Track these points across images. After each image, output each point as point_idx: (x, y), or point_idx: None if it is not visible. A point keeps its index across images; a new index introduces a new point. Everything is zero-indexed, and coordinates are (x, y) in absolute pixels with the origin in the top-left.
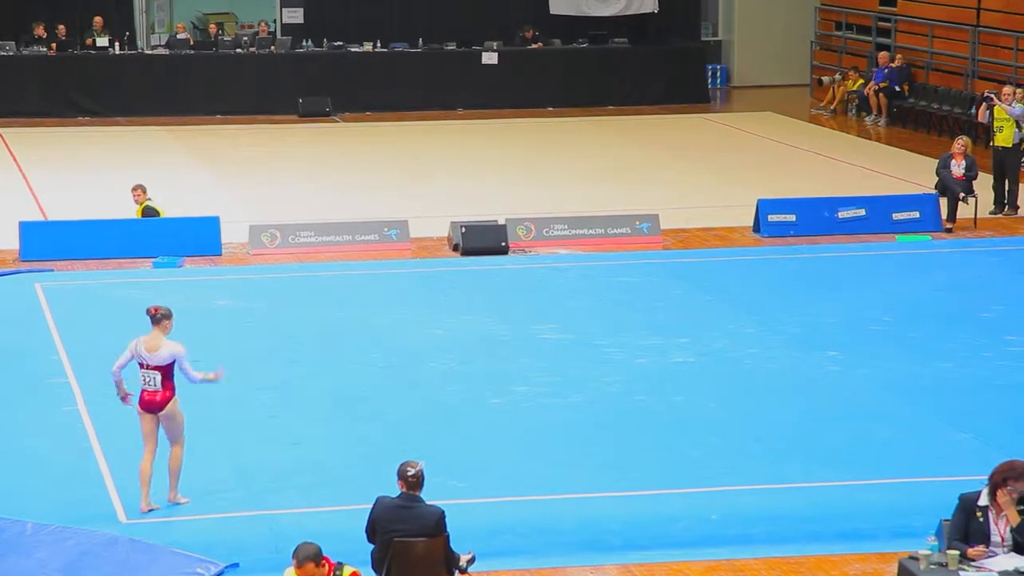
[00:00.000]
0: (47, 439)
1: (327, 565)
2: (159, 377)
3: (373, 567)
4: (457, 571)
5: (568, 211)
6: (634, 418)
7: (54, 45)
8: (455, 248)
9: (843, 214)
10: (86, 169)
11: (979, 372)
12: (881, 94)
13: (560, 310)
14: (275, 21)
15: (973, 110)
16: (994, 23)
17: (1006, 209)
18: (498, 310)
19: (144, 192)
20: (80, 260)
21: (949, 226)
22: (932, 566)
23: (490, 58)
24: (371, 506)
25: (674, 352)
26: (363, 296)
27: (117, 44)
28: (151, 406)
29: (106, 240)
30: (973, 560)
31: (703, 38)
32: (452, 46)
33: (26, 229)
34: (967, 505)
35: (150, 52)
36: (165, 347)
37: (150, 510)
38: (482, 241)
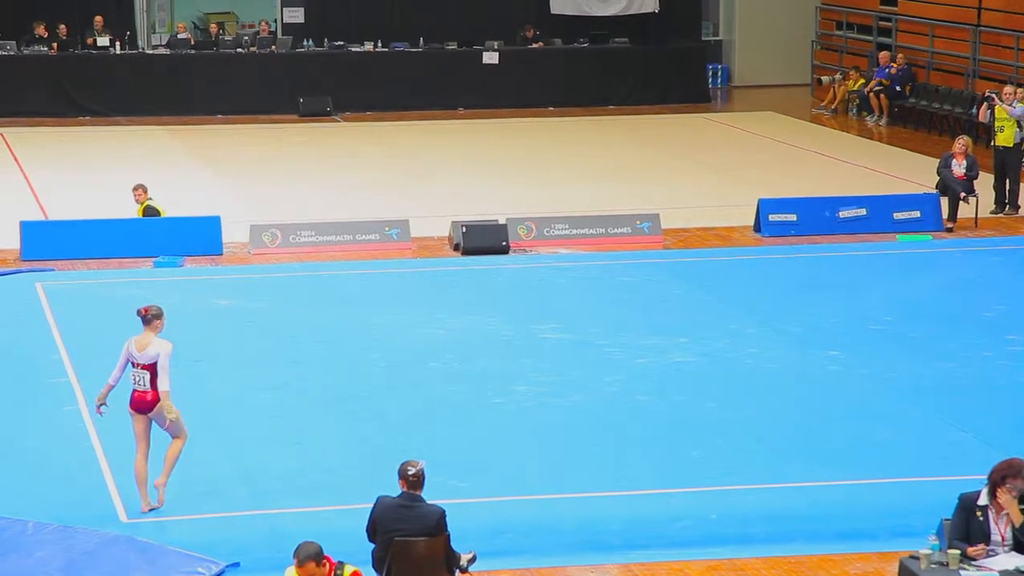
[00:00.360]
0: (47, 439)
1: (328, 565)
2: (148, 376)
3: (374, 567)
4: (458, 570)
5: (569, 211)
6: (634, 418)
7: (55, 45)
8: (456, 248)
9: (844, 214)
10: (87, 169)
11: (980, 372)
12: (882, 94)
13: (560, 310)
14: (276, 21)
15: (974, 110)
16: (995, 23)
17: (1007, 209)
18: (499, 310)
19: (145, 192)
20: (81, 260)
21: (950, 226)
22: (933, 565)
23: (491, 58)
24: (372, 505)
25: (674, 352)
26: (364, 296)
27: (118, 44)
28: (141, 405)
29: (107, 240)
30: (974, 559)
31: (704, 38)
32: (453, 46)
33: (27, 229)
34: (967, 505)
35: (151, 52)
36: (154, 346)
37: (150, 509)
38: (483, 241)
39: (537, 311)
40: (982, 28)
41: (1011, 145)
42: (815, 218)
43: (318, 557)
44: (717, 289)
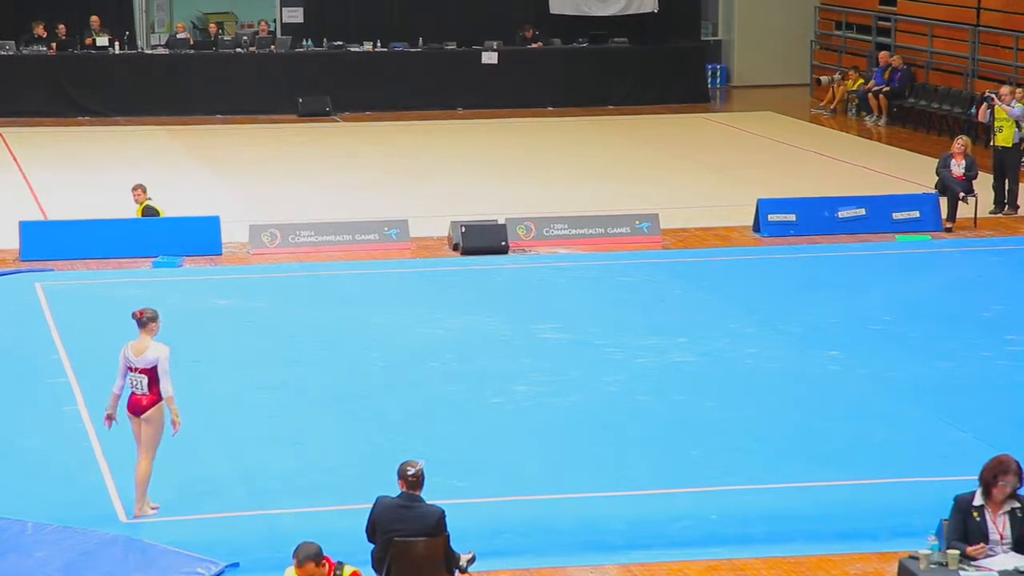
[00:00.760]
0: (46, 439)
1: (327, 565)
2: (146, 380)
3: (373, 567)
4: (457, 571)
5: (568, 211)
6: (634, 418)
7: (54, 45)
8: (455, 248)
9: (843, 214)
10: (86, 169)
11: (979, 372)
12: (881, 94)
13: (560, 309)
14: (275, 20)
15: (973, 110)
16: (994, 23)
17: (1006, 208)
18: (498, 310)
19: (144, 192)
20: (80, 260)
21: (949, 226)
22: (932, 565)
23: (490, 58)
24: (371, 506)
25: (674, 352)
26: (363, 296)
27: (117, 44)
28: (136, 409)
29: (106, 240)
30: (973, 559)
31: (703, 38)
32: (452, 46)
33: (26, 229)
34: (962, 506)
35: (150, 52)
36: (151, 350)
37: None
38: (482, 241)
39: (536, 311)
40: (981, 28)
41: (1010, 145)
42: (814, 218)
43: (317, 557)
44: (716, 289)
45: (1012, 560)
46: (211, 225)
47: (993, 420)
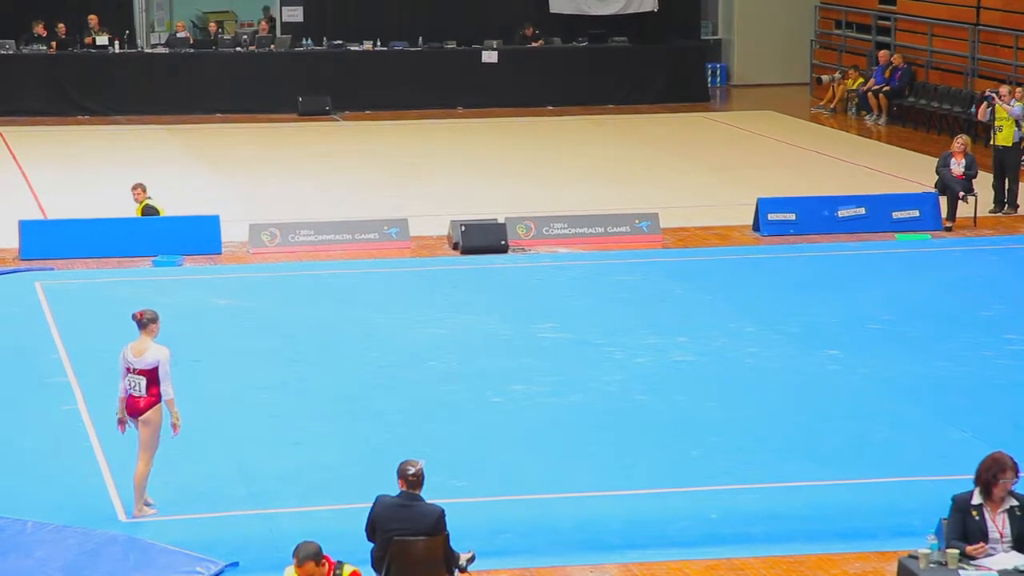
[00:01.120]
0: (47, 438)
1: (327, 564)
2: (144, 382)
3: (373, 566)
4: (457, 570)
5: (568, 210)
6: (634, 417)
7: (54, 44)
8: (455, 247)
9: (843, 213)
10: (86, 168)
11: (979, 371)
12: (881, 94)
13: (560, 309)
14: (275, 19)
15: (973, 109)
16: (994, 22)
17: (1006, 208)
18: (498, 309)
19: (144, 191)
20: (80, 259)
21: (949, 225)
22: (932, 565)
23: (490, 57)
24: (371, 505)
25: (674, 351)
26: (363, 295)
27: (117, 43)
28: (132, 411)
29: (106, 239)
30: (973, 558)
31: (703, 37)
32: (452, 45)
33: (26, 228)
34: (961, 505)
35: (150, 51)
36: (151, 351)
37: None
38: (482, 240)
39: (536, 310)
40: (981, 27)
41: (1010, 144)
42: (814, 217)
43: (317, 557)
44: (716, 288)
45: (1012, 559)
46: (211, 224)
47: (993, 420)
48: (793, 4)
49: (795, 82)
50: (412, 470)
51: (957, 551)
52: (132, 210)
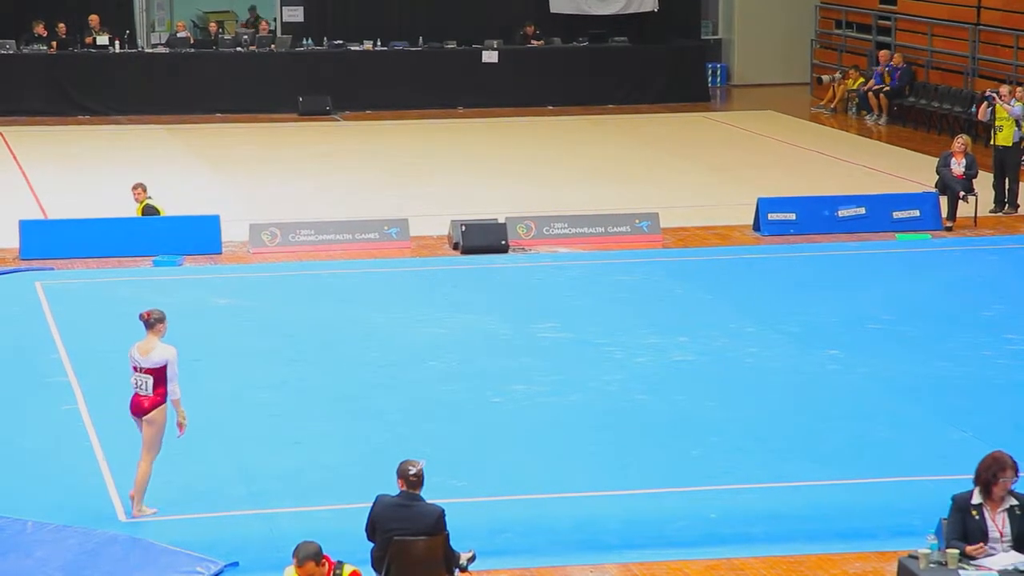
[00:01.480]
0: (47, 438)
1: (327, 564)
2: (151, 381)
3: (373, 566)
4: (457, 570)
5: (568, 209)
6: (634, 417)
7: (54, 44)
8: (455, 247)
9: (843, 213)
10: (86, 168)
11: (979, 371)
12: (881, 93)
13: (560, 309)
14: (276, 20)
15: (973, 109)
16: (994, 21)
17: (1006, 207)
18: (498, 309)
19: (144, 191)
20: (80, 259)
21: (949, 224)
22: (932, 565)
23: (490, 57)
24: (371, 505)
25: (674, 351)
26: (363, 295)
27: (117, 42)
28: (137, 410)
29: (106, 239)
30: (973, 558)
31: (703, 36)
32: (452, 45)
33: (26, 228)
34: (961, 505)
35: (150, 51)
36: (158, 350)
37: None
38: (482, 239)
39: (536, 310)
40: (981, 27)
41: (1010, 144)
42: (814, 217)
43: (317, 556)
44: (716, 288)
45: (1012, 559)
46: (211, 224)
47: (993, 420)
48: (793, 4)
49: (795, 82)
50: (413, 470)
51: (957, 551)
52: (132, 210)
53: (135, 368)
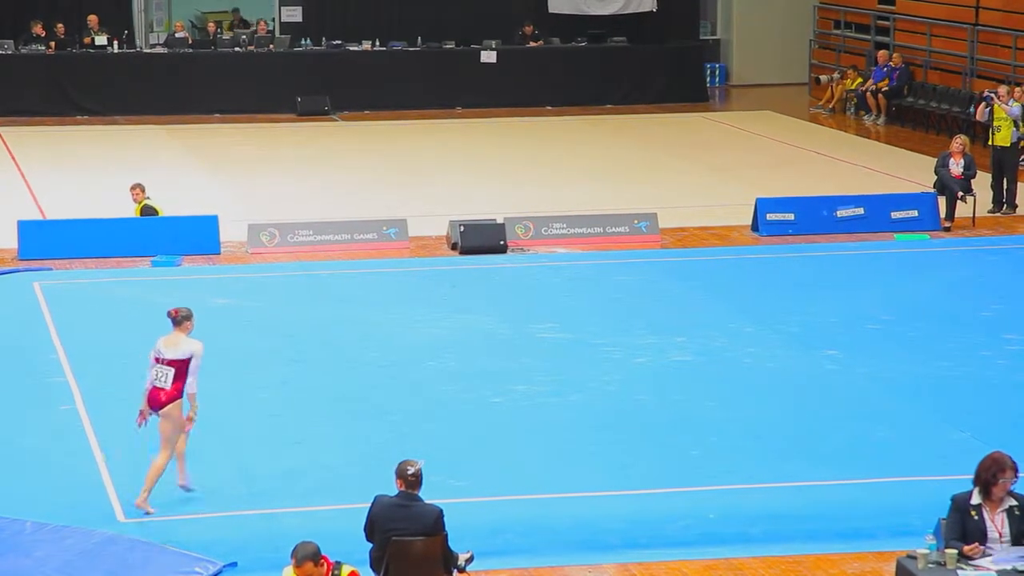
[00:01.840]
0: (45, 438)
1: (325, 564)
2: (172, 374)
3: (371, 566)
4: (456, 570)
5: (567, 210)
6: (633, 417)
7: (53, 44)
8: (454, 247)
9: (842, 213)
10: (84, 168)
11: (978, 371)
12: (880, 94)
13: (559, 309)
14: (274, 20)
15: (972, 109)
16: (993, 22)
17: (1004, 208)
18: (497, 309)
19: (143, 191)
20: (78, 259)
21: (948, 225)
22: (930, 565)
23: (489, 57)
24: (369, 505)
25: (673, 351)
26: (362, 295)
27: (116, 43)
28: (155, 403)
29: (104, 239)
30: (971, 558)
31: (702, 37)
32: (451, 45)
33: (24, 228)
34: (960, 505)
35: (149, 51)
36: (185, 343)
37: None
38: (481, 240)
39: (535, 310)
40: (980, 27)
41: (1008, 144)
42: (813, 217)
43: (316, 557)
44: (715, 288)
45: (1011, 559)
46: (210, 224)
47: (992, 420)
48: (792, 4)
49: (794, 82)
50: (411, 470)
51: (956, 551)
52: (131, 210)
53: (157, 359)
